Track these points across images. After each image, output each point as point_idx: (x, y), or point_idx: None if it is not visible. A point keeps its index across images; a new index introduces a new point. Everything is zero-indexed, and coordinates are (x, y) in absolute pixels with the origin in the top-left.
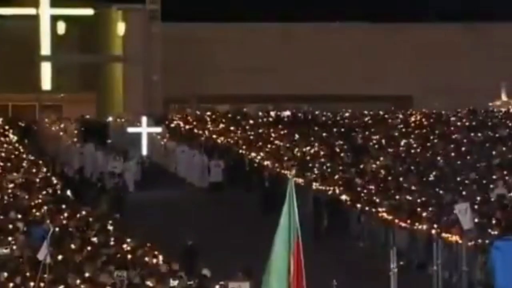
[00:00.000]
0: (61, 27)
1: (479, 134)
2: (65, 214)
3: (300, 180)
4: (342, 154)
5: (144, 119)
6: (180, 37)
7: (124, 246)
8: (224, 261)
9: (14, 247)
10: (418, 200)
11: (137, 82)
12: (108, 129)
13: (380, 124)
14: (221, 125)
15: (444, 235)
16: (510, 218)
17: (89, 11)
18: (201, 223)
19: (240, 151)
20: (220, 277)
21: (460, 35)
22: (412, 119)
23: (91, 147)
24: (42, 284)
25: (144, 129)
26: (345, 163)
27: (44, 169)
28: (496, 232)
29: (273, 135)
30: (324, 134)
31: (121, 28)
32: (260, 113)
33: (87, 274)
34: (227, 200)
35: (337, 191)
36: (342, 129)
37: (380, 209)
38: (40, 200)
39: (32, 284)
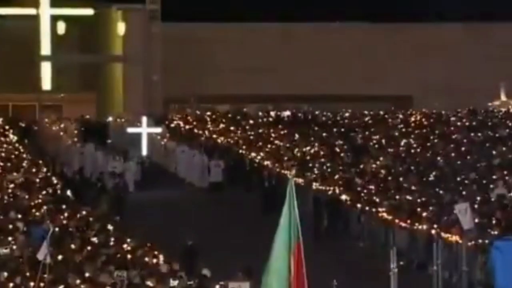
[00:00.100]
0: (61, 27)
1: (479, 134)
2: (65, 214)
3: (300, 180)
4: (342, 154)
5: (144, 119)
6: (180, 37)
7: (124, 246)
8: (224, 261)
9: (14, 247)
10: (418, 200)
11: (137, 82)
12: (108, 129)
13: (380, 124)
14: (221, 125)
15: (444, 235)
16: (510, 218)
17: (89, 11)
18: (201, 223)
19: (240, 151)
20: (220, 277)
21: (460, 35)
22: (412, 119)
23: (91, 147)
24: (42, 284)
25: (144, 129)
26: (345, 163)
27: (44, 169)
28: (496, 232)
29: (273, 135)
30: (324, 134)
31: (121, 28)
32: (260, 113)
33: (87, 274)
34: (227, 200)
35: (337, 191)
36: (342, 129)
37: (380, 209)
38: (40, 200)
39: (32, 284)
